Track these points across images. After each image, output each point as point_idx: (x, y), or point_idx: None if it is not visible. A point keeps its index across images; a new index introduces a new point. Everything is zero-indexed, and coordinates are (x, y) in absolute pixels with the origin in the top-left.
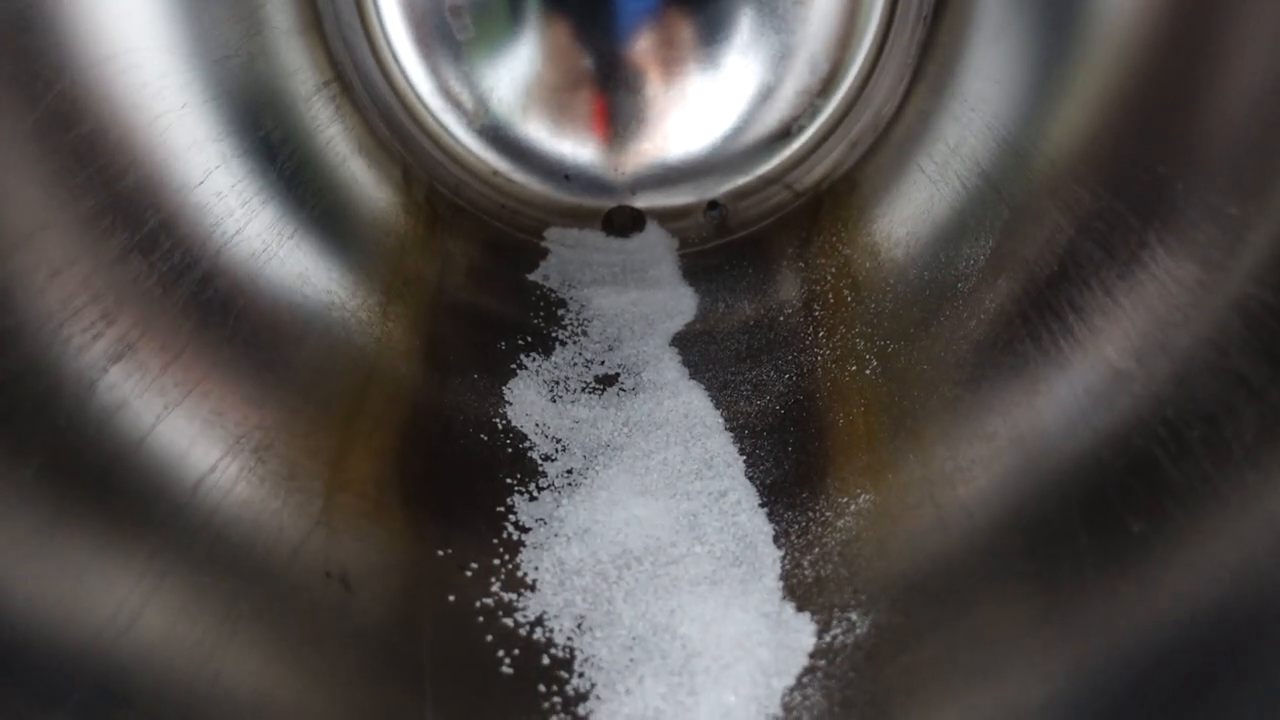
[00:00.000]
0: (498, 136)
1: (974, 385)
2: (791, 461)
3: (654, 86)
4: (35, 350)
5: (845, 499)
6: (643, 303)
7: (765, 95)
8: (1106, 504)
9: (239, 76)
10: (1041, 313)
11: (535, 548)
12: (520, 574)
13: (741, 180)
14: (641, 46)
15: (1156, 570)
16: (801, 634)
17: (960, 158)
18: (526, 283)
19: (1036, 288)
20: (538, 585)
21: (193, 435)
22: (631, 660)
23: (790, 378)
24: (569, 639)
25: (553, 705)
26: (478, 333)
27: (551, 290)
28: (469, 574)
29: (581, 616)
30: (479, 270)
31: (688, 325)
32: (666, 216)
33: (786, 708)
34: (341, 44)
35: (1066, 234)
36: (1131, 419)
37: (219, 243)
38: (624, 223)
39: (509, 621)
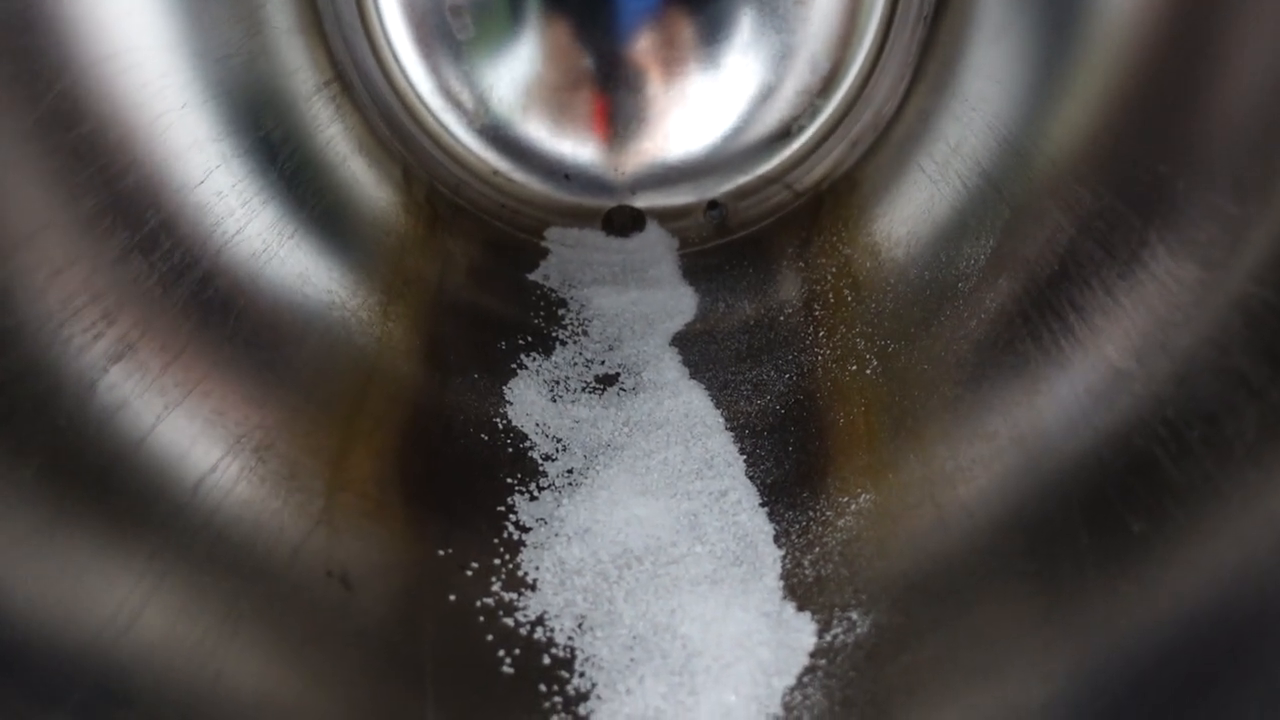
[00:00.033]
0: (498, 136)
1: (974, 385)
2: (792, 461)
3: (654, 86)
4: (36, 350)
5: (846, 498)
6: (643, 302)
7: (766, 95)
8: (1107, 503)
9: (239, 76)
10: (1042, 312)
11: (536, 547)
12: (521, 573)
13: (742, 180)
14: (642, 46)
15: (1157, 570)
16: (802, 633)
17: (961, 157)
18: (527, 282)
19: (1037, 287)
20: (538, 585)
21: (193, 435)
22: (632, 660)
23: (791, 377)
24: (570, 638)
25: (553, 705)
26: (478, 332)
27: (552, 290)
28: (470, 573)
29: (582, 616)
30: (479, 270)
31: (688, 325)
32: (667, 216)
33: (787, 707)
34: (342, 43)
35: (1067, 233)
36: (1132, 418)
37: (219, 242)
38: (624, 222)
39: (510, 621)
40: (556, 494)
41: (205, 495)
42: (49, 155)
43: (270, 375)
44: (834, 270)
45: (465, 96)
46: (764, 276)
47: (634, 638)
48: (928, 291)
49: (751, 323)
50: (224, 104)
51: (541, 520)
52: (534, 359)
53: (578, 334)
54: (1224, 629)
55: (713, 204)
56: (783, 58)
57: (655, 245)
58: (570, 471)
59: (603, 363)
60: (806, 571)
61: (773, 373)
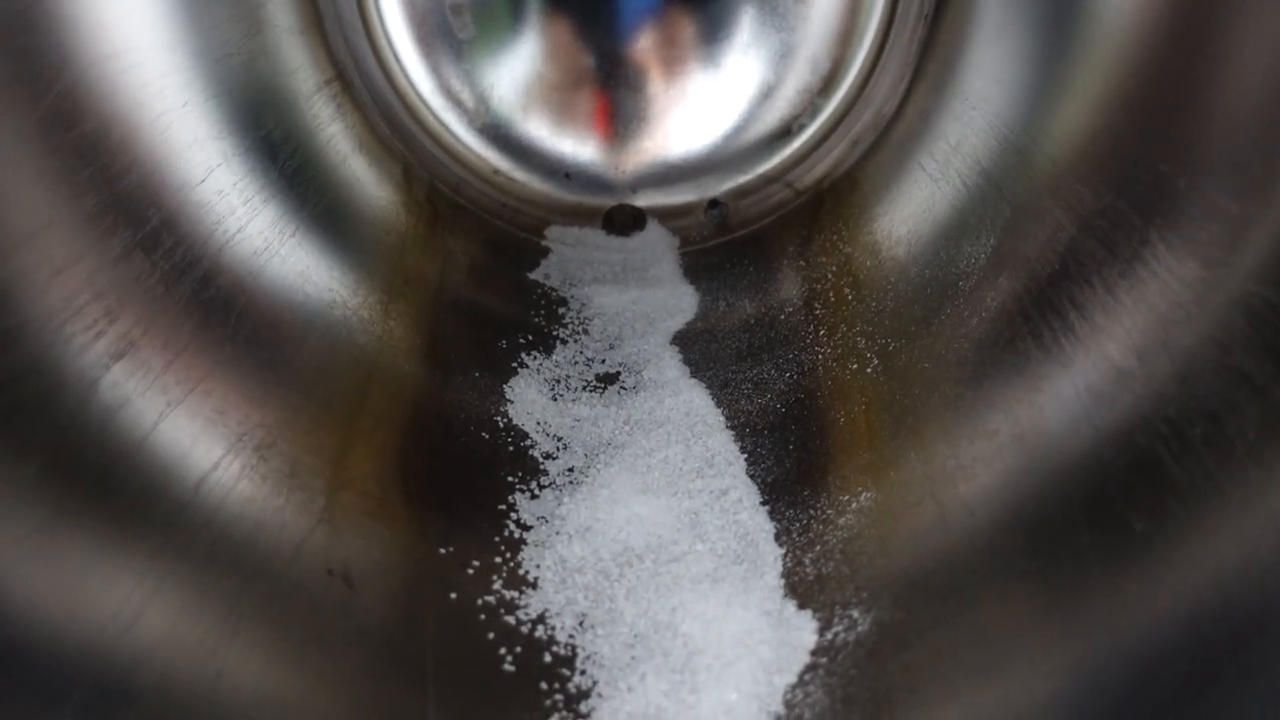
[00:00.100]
0: (498, 135)
1: (975, 383)
2: (793, 459)
3: (655, 85)
4: (37, 349)
5: (846, 497)
6: (643, 301)
7: (766, 94)
8: (1108, 502)
9: (240, 75)
10: (1043, 311)
11: (537, 546)
12: (522, 572)
13: (742, 179)
14: (642, 45)
15: (1159, 568)
16: (803, 631)
17: (961, 156)
18: (527, 281)
19: (1038, 286)
20: (539, 583)
21: (195, 433)
22: (633, 658)
23: (791, 376)
24: (571, 637)
25: (554, 703)
26: (479, 331)
27: (552, 289)
28: (471, 572)
29: (583, 614)
30: (480, 269)
31: (688, 324)
32: (667, 215)
33: (788, 705)
34: (342, 42)
35: (1068, 232)
36: (1134, 417)
37: (220, 241)
38: (625, 221)
39: (511, 619)
40: (557, 492)
41: (207, 494)
42: (50, 154)
43: (271, 374)
44: (835, 269)
45: (466, 95)
46: (765, 275)
47: (635, 636)
48: (928, 290)
49: (752, 321)
50: (225, 103)
51: (542, 518)
52: (535, 358)
53: (578, 333)
54: (1225, 628)
55: (713, 203)
56: (783, 57)
57: (656, 244)
58: (571, 470)
59: (603, 361)
60: (807, 569)
61: (773, 371)
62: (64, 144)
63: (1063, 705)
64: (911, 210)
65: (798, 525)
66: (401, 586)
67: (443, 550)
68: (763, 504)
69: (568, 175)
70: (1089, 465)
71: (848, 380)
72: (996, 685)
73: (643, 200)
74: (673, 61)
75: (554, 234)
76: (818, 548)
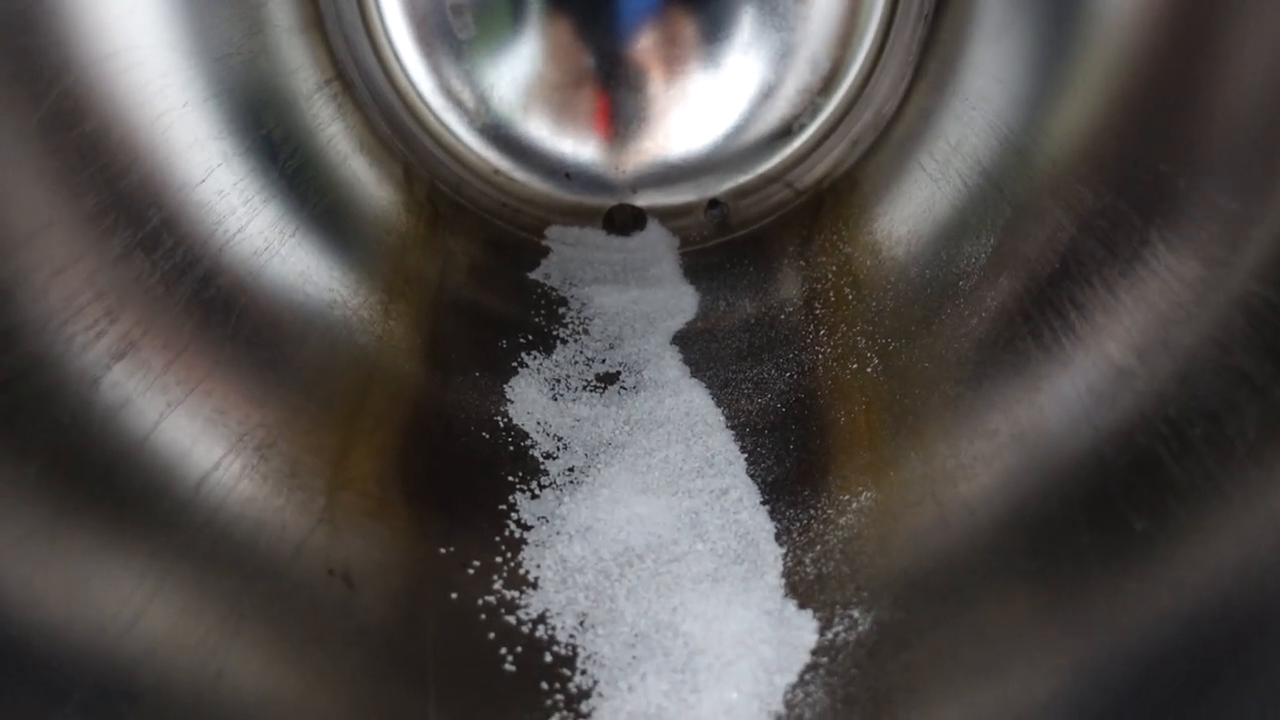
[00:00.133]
0: (499, 135)
1: (976, 383)
2: (793, 459)
3: (655, 85)
4: (38, 348)
5: (847, 496)
6: (644, 301)
7: (766, 93)
8: (1109, 501)
9: (240, 75)
10: (1043, 310)
11: (537, 545)
12: (522, 572)
13: (742, 179)
14: (642, 45)
15: (1159, 568)
16: (803, 631)
17: (962, 156)
18: (528, 281)
19: (1038, 285)
20: (540, 583)
21: (195, 433)
22: (634, 658)
23: (791, 376)
24: (571, 636)
25: (555, 703)
26: (479, 331)
27: (553, 289)
28: (471, 572)
29: (584, 614)
30: (480, 269)
31: (689, 323)
32: (667, 215)
33: (789, 705)
34: (343, 42)
35: (1068, 232)
36: (1134, 416)
37: (221, 241)
38: (625, 221)
39: (511, 619)
40: (558, 492)
41: (208, 493)
42: (51, 154)
43: (272, 374)
44: (835, 269)
45: (466, 95)
46: (765, 275)
47: (636, 635)
48: (928, 290)
49: (752, 321)
50: (225, 103)
51: (543, 518)
52: (535, 357)
53: (579, 332)
54: (1226, 627)
55: (713, 203)
56: (783, 56)
57: (656, 244)
58: (571, 470)
59: (604, 361)
60: (808, 569)
61: (773, 371)
62: (64, 144)
63: (1063, 705)
64: (912, 210)
65: (798, 525)
66: (402, 586)
67: (443, 550)
68: (763, 504)
69: (568, 175)
70: (1089, 465)
71: (848, 380)
72: (997, 685)
73: (643, 200)
74: (673, 61)
75: (554, 234)
76: (818, 547)
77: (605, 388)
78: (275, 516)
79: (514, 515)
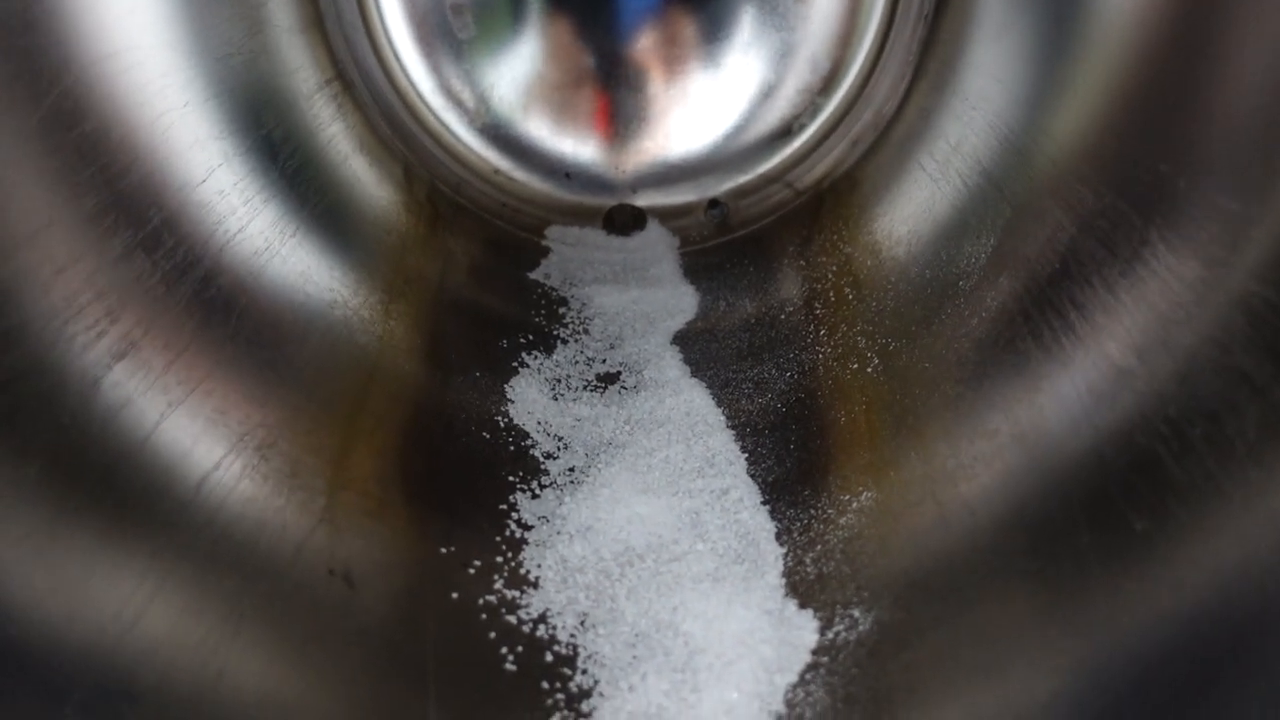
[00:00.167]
0: (499, 135)
1: (976, 383)
2: (793, 459)
3: (655, 85)
4: (39, 348)
5: (847, 496)
6: (644, 301)
7: (766, 93)
8: (1109, 501)
9: (241, 75)
10: (1043, 310)
11: (538, 545)
12: (523, 571)
13: (742, 178)
14: (643, 45)
15: (1159, 568)
16: (804, 631)
17: (962, 156)
18: (528, 281)
19: (1038, 285)
20: (540, 583)
21: (196, 433)
22: (634, 657)
23: (792, 376)
24: (572, 636)
25: (556, 702)
26: (479, 331)
27: (553, 289)
28: (472, 571)
29: (584, 614)
30: (480, 268)
31: (689, 323)
32: (667, 215)
33: (789, 704)
34: (343, 42)
35: (1068, 232)
36: (1134, 416)
37: (221, 241)
38: (625, 221)
39: (512, 619)
40: (558, 492)
41: (208, 493)
42: (51, 154)
43: (272, 374)
44: (835, 269)
45: (466, 95)
46: (765, 275)
47: (636, 635)
48: (929, 290)
49: (752, 321)
50: (225, 103)
51: (543, 518)
52: (535, 357)
53: (579, 332)
54: (1226, 627)
55: (714, 202)
56: (783, 56)
57: (656, 244)
58: (572, 469)
59: (604, 361)
60: (808, 569)
61: (774, 371)
62: (65, 143)
63: (1063, 704)
64: (912, 210)
65: (798, 525)
66: (403, 586)
67: (444, 550)
68: (763, 503)
69: (568, 175)
70: (1089, 465)
71: (848, 380)
72: (997, 684)
73: (643, 200)
74: (673, 61)
75: (554, 234)
76: (818, 547)
77: (606, 388)
78: (276, 516)
79: (514, 515)
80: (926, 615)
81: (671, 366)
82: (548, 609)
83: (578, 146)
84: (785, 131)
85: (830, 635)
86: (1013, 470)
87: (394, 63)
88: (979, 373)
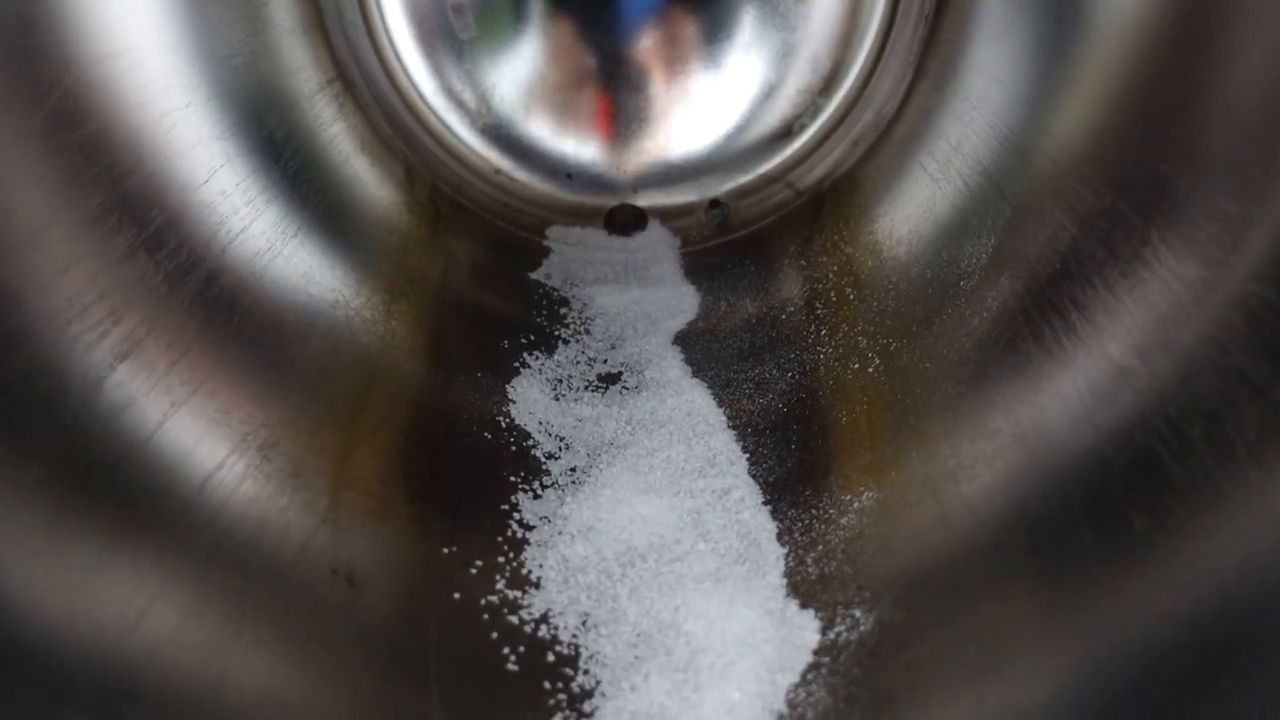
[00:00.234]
0: (500, 135)
1: (976, 383)
2: (794, 459)
3: (656, 85)
4: (43, 348)
5: (848, 496)
6: (645, 301)
7: (767, 94)
8: (1109, 500)
9: (242, 75)
10: (1044, 310)
11: (540, 545)
12: (525, 571)
13: (743, 179)
14: (644, 45)
15: (1159, 567)
16: (805, 631)
17: (962, 156)
18: (529, 281)
19: (1039, 285)
20: (542, 583)
21: (199, 433)
22: (636, 657)
23: (793, 376)
24: (574, 636)
25: (558, 702)
26: (481, 331)
27: (554, 289)
28: (474, 571)
29: (586, 614)
30: (482, 269)
31: (690, 323)
32: (668, 215)
33: (791, 704)
34: (344, 42)
35: (1069, 232)
36: (1134, 416)
37: (224, 241)
38: (626, 221)
39: (514, 619)
40: (560, 492)
41: (211, 493)
42: (54, 154)
43: (274, 374)
44: (836, 269)
45: (467, 95)
46: (766, 275)
47: (638, 635)
48: (929, 290)
49: (753, 321)
50: (227, 103)
51: (545, 518)
52: (537, 358)
53: (580, 333)
54: (1226, 626)
55: (714, 203)
56: (784, 56)
57: (657, 244)
58: (573, 470)
59: (605, 361)
60: (809, 569)
61: (775, 371)
62: (68, 144)
63: (1064, 703)
64: (912, 210)
65: (800, 525)
66: (405, 586)
67: (446, 550)
68: (765, 504)
69: (569, 175)
70: (1090, 464)
71: (849, 380)
72: (998, 683)
73: (644, 200)
74: (674, 61)
75: (555, 234)
76: (820, 547)
77: (607, 388)
78: (278, 516)
79: (516, 515)
80: (928, 615)
81: (673, 366)
82: (550, 609)
83: (579, 147)
84: (786, 132)
85: (832, 635)
86: (1014, 470)
87: (395, 63)
88: (980, 372)
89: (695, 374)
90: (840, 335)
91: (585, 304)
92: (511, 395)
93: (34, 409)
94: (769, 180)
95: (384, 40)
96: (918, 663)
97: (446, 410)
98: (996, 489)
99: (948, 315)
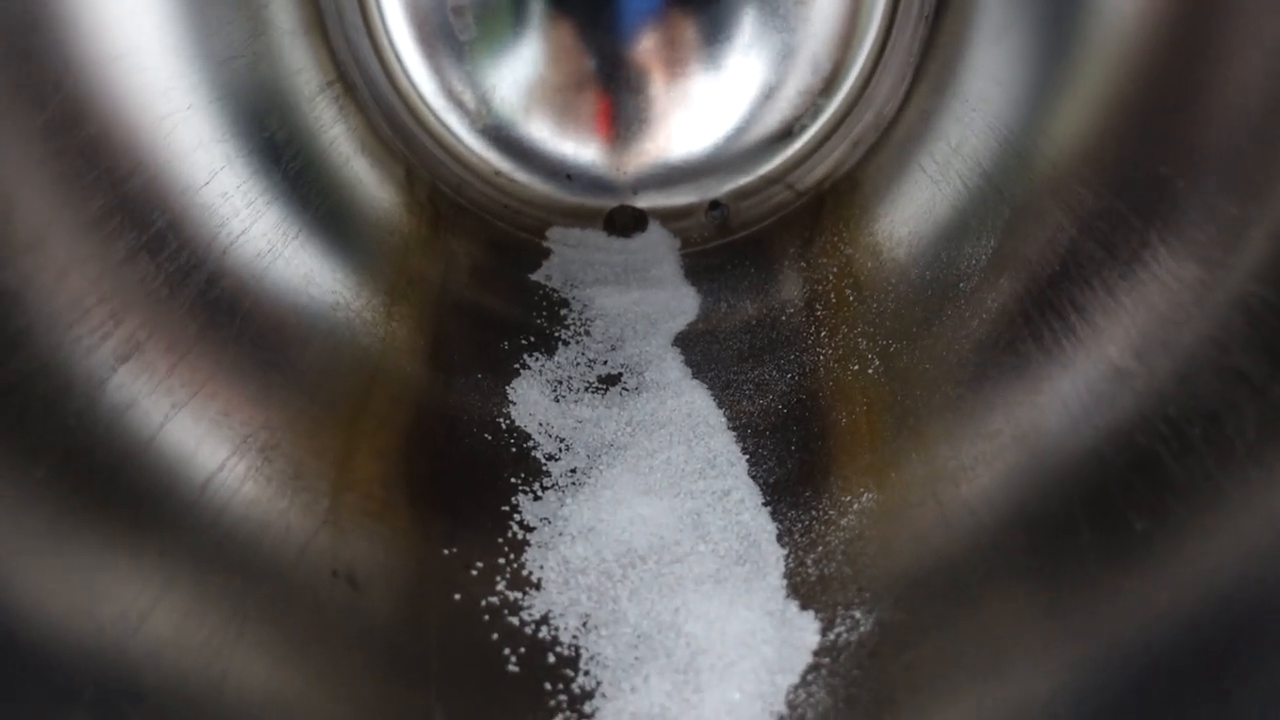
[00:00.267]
0: (500, 136)
1: (976, 384)
2: (794, 460)
3: (656, 86)
4: (45, 350)
5: (848, 497)
6: (645, 302)
7: (767, 95)
8: (1109, 501)
9: (243, 77)
10: (1043, 312)
11: (540, 547)
12: (525, 573)
13: (743, 180)
14: (644, 46)
15: (1159, 567)
16: (806, 632)
17: (962, 157)
18: (529, 283)
19: (1038, 287)
20: (543, 584)
21: (200, 435)
22: (636, 658)
23: (793, 377)
24: (574, 637)
25: (558, 703)
26: (481, 332)
27: (554, 290)
28: (474, 573)
29: (586, 615)
30: (482, 270)
31: (690, 325)
32: (668, 216)
33: (791, 705)
34: (345, 44)
35: (1068, 233)
36: (1134, 416)
37: (225, 243)
38: (626, 222)
39: (514, 620)
40: (560, 493)
41: (213, 494)
42: (55, 157)
43: (275, 375)
44: (836, 270)
45: (468, 97)
46: (766, 276)
47: (638, 636)
48: (929, 291)
49: (753, 322)
50: (228, 105)
51: (545, 520)
52: (537, 359)
53: (580, 334)
54: (1225, 626)
55: (714, 204)
56: (784, 58)
57: (657, 245)
58: (574, 471)
59: (605, 363)
60: (810, 570)
61: (775, 372)
62: (69, 147)
63: (1064, 703)
64: (912, 211)
65: (800, 526)
66: (405, 588)
67: (446, 551)
68: (765, 505)
69: (569, 176)
70: (1090, 465)
71: (849, 381)
72: (998, 683)
73: (644, 201)
74: (674, 63)
75: (555, 235)
76: (820, 548)
77: (607, 389)
78: (279, 518)
79: (516, 516)
80: (928, 615)
81: (673, 368)
82: (550, 610)
83: (579, 148)
84: (786, 133)
85: (832, 636)
86: (1013, 471)
87: (395, 64)
88: (980, 374)
89: (695, 375)
90: (840, 336)
91: (585, 305)
92: (512, 397)
93: (36, 411)
94: (769, 181)
95: (384, 42)
96: (918, 663)
97: (447, 412)
98: (996, 490)
99: (947, 316)
